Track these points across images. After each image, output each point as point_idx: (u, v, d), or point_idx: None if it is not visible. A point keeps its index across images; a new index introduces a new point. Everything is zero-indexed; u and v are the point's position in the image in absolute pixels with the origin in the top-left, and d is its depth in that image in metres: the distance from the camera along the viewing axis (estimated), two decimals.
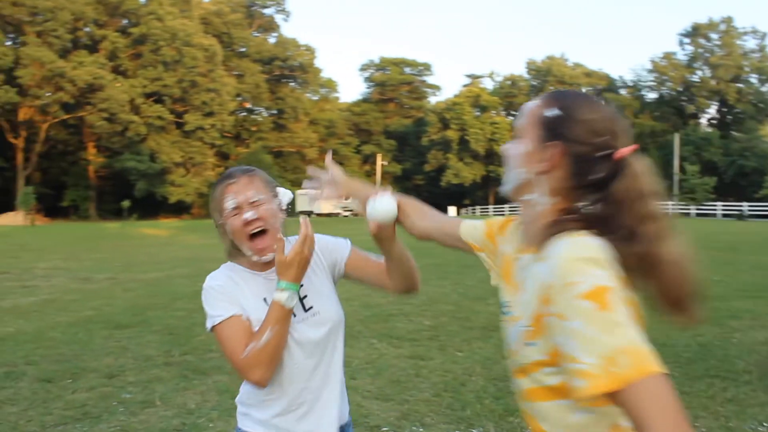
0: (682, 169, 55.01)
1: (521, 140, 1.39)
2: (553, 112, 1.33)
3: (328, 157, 2.02)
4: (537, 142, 1.35)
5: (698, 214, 50.38)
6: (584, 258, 1.18)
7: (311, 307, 1.91)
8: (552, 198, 1.34)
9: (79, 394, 5.45)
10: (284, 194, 1.94)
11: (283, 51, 73.84)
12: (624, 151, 1.29)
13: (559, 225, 1.29)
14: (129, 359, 6.58)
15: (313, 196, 2.00)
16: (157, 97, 60.64)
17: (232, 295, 1.87)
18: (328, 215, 57.28)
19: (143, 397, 5.32)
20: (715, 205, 50.18)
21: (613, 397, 1.11)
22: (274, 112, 74.41)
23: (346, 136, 78.58)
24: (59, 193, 61.13)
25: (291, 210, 1.97)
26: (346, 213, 54.60)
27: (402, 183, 76.14)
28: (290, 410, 1.89)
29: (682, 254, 1.26)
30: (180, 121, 62.15)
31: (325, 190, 1.98)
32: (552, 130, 1.32)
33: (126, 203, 54.89)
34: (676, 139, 59.75)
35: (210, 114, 62.04)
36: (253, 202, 1.84)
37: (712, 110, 72.27)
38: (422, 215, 1.91)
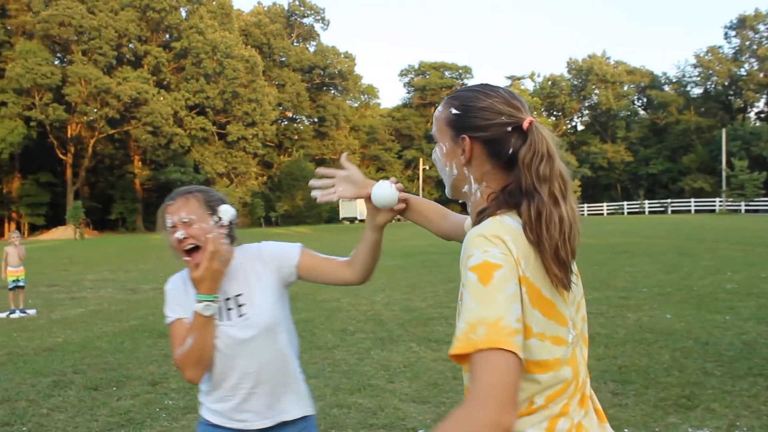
0: (730, 165, 53.82)
1: (440, 144, 1.53)
2: (453, 111, 1.47)
3: (344, 157, 2.06)
4: (451, 141, 1.48)
5: (747, 210, 49.32)
6: (483, 234, 1.29)
7: (244, 314, 2.07)
8: (481, 185, 1.46)
9: (123, 402, 5.59)
10: (225, 211, 2.10)
11: (323, 59, 74.24)
12: (529, 119, 1.40)
13: (485, 210, 1.41)
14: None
15: (322, 196, 2.03)
16: (199, 109, 61.54)
17: (179, 299, 2.12)
18: None
19: (185, 403, 5.44)
20: (766, 201, 49.05)
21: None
22: (315, 120, 74.88)
23: (388, 142, 78.59)
24: (107, 207, 62.43)
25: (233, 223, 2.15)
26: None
27: (444, 187, 75.88)
28: (227, 400, 2.09)
29: (575, 214, 1.36)
30: (222, 132, 62.97)
31: (340, 188, 1.98)
32: (458, 127, 1.45)
33: None
34: (723, 134, 58.53)
35: (252, 124, 62.71)
36: (185, 222, 2.04)
37: (761, 103, 70.64)
38: (442, 218, 1.98)
